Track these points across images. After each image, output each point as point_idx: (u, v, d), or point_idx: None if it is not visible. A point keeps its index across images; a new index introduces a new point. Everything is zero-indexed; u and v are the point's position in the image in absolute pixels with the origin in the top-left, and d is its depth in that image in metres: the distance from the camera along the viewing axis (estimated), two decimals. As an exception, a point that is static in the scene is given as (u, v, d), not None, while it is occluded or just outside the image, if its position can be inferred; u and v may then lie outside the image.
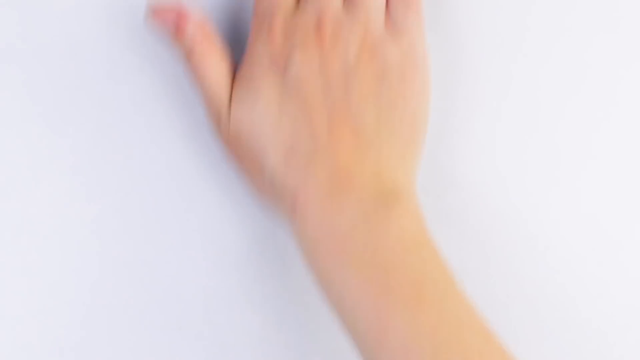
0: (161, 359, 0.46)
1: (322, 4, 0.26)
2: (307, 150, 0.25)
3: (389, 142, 0.25)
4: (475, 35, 0.41)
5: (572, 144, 0.43)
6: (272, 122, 0.25)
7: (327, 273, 0.25)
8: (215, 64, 0.27)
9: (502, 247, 0.38)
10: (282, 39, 0.26)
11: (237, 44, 0.30)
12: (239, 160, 0.27)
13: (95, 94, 0.39)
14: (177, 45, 0.27)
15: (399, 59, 0.26)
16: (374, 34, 0.26)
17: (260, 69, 0.26)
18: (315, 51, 0.25)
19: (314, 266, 0.25)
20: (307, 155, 0.25)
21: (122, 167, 0.41)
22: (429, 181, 0.31)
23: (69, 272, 0.46)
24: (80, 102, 0.40)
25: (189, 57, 0.27)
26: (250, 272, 0.42)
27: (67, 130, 0.41)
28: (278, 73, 0.25)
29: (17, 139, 0.42)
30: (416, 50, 0.27)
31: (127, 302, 0.48)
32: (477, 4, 0.39)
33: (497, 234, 0.38)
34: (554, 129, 0.43)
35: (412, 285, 0.24)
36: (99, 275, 0.51)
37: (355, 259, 0.24)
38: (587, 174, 0.43)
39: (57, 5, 0.39)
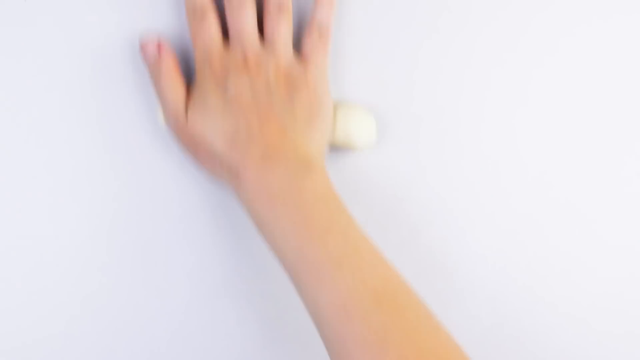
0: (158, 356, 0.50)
1: (245, 44, 0.38)
2: (244, 138, 0.36)
3: (302, 130, 0.37)
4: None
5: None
6: (218, 123, 0.37)
7: (263, 220, 0.35)
8: (176, 84, 0.38)
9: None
10: (220, 68, 0.37)
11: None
12: (195, 152, 0.38)
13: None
14: (151, 70, 0.39)
15: (304, 77, 0.38)
16: (285, 62, 0.38)
17: (207, 88, 0.37)
18: (245, 75, 0.37)
19: (254, 216, 0.36)
20: (245, 141, 0.36)
21: (110, 166, 0.45)
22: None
23: (64, 271, 0.48)
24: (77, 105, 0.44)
25: (157, 78, 0.38)
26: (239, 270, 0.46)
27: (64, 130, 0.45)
28: (220, 90, 0.37)
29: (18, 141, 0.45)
30: (318, 71, 0.39)
31: (126, 301, 0.50)
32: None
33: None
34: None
35: (323, 222, 0.35)
36: (94, 274, 0.52)
37: (282, 208, 0.35)
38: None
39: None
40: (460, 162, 0.45)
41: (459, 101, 0.46)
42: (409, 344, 0.32)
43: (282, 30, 0.38)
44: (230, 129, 0.36)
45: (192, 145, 0.38)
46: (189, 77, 0.41)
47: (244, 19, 0.37)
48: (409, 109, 0.45)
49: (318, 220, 0.34)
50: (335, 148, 0.42)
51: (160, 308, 0.49)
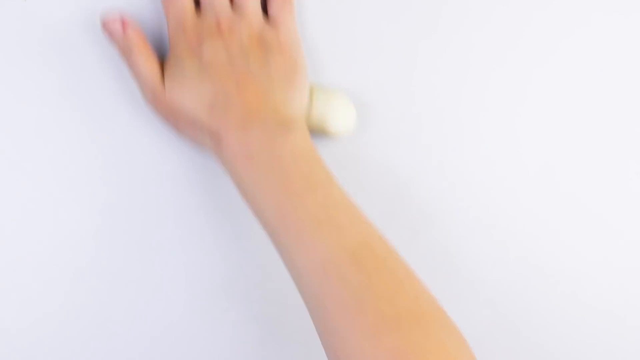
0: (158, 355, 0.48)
1: (217, 10, 0.38)
2: (223, 103, 0.36)
3: (280, 91, 0.37)
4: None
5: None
6: (196, 90, 0.36)
7: (244, 181, 0.35)
8: (148, 57, 0.38)
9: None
10: (194, 35, 0.37)
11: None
12: (174, 121, 0.38)
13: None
14: (120, 47, 0.38)
15: (276, 39, 0.38)
16: (257, 26, 0.38)
17: (183, 56, 0.37)
18: (219, 40, 0.37)
19: (235, 178, 0.36)
20: (224, 106, 0.36)
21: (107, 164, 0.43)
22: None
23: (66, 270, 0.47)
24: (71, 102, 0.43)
25: (127, 55, 0.38)
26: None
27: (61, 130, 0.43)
28: (195, 57, 0.37)
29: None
30: (289, 32, 0.39)
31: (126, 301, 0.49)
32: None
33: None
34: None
35: (302, 181, 0.35)
36: (95, 274, 0.52)
37: (263, 167, 0.35)
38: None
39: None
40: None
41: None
42: (387, 304, 0.31)
43: (249, 4, 0.38)
44: (208, 95, 0.36)
45: (171, 116, 0.38)
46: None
47: None
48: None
49: (297, 178, 0.35)
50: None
51: (158, 307, 0.49)
